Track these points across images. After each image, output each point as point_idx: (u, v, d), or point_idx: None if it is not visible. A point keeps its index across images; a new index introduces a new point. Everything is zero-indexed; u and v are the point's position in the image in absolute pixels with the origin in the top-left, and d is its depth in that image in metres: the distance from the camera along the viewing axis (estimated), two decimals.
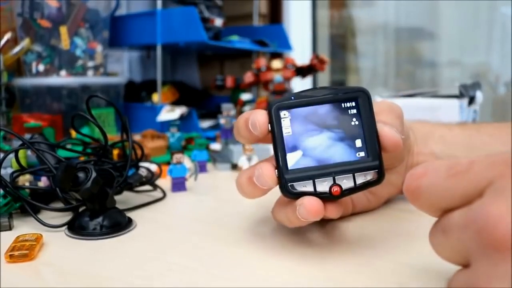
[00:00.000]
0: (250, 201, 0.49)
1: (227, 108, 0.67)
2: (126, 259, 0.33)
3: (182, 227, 0.40)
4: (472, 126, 0.49)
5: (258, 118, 0.31)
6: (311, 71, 0.95)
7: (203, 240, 0.36)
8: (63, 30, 0.80)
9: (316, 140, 0.31)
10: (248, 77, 0.91)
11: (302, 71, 0.94)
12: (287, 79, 0.90)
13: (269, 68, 0.89)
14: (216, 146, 0.71)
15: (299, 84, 1.12)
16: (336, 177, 0.30)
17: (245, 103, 0.91)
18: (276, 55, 1.18)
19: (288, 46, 1.17)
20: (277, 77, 0.88)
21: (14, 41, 0.80)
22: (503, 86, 1.47)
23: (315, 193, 0.30)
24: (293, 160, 0.31)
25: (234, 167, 0.63)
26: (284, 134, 0.31)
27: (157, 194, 0.50)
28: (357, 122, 0.31)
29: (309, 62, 0.94)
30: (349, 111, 0.31)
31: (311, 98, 0.31)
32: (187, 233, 0.38)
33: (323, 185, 0.30)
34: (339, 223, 0.39)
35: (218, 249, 0.34)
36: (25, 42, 0.78)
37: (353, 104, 0.31)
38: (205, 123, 0.94)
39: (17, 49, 0.78)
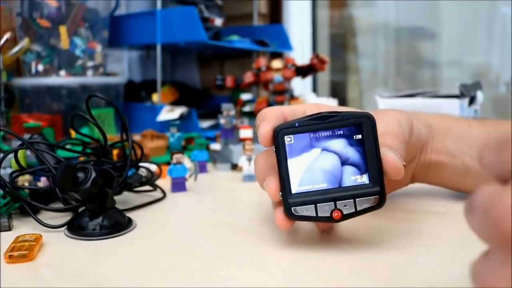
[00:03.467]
0: (250, 201, 0.49)
1: (227, 108, 0.67)
2: (126, 259, 0.33)
3: (182, 227, 0.40)
4: (491, 123, 0.48)
5: (261, 132, 0.32)
6: (311, 71, 0.95)
7: (203, 240, 0.36)
8: (63, 29, 0.80)
9: (319, 165, 0.32)
10: (248, 77, 0.91)
11: (302, 71, 0.94)
12: (287, 79, 0.90)
13: (269, 68, 0.89)
14: (216, 146, 0.71)
15: (299, 84, 1.12)
16: (337, 202, 0.31)
17: (245, 103, 0.91)
18: (276, 55, 1.18)
19: (288, 46, 1.17)
20: (277, 77, 0.88)
21: (13, 41, 0.80)
22: (503, 85, 1.47)
23: (316, 217, 0.31)
24: (296, 184, 0.32)
25: (234, 167, 0.63)
26: (288, 159, 0.32)
27: (157, 194, 0.50)
28: (360, 148, 0.32)
29: (309, 62, 0.94)
30: (353, 136, 0.32)
31: (316, 125, 0.32)
32: (187, 233, 0.38)
33: (325, 210, 0.31)
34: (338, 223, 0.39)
35: (218, 249, 0.34)
36: (24, 42, 0.78)
37: (358, 130, 0.32)
38: (205, 123, 0.94)
39: (16, 49, 0.77)
